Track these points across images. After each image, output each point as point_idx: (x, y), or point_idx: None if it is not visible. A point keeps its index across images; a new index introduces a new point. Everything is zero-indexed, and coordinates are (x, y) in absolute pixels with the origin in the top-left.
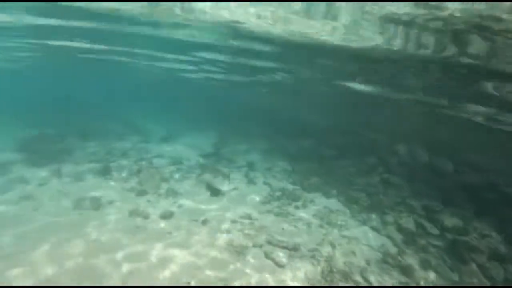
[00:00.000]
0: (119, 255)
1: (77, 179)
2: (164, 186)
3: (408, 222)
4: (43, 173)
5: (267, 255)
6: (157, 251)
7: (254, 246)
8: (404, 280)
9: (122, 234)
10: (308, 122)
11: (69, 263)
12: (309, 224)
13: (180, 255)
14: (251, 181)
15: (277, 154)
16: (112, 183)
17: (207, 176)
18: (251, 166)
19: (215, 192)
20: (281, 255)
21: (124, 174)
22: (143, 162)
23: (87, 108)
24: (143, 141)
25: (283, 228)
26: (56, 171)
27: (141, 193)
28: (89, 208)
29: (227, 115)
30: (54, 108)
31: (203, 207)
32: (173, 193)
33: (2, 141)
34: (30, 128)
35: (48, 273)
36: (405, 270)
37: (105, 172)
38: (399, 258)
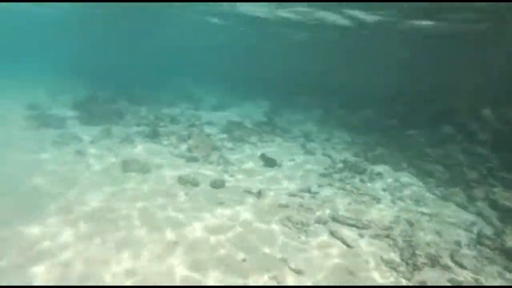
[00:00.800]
0: (163, 224)
1: (127, 140)
2: (215, 154)
3: (503, 198)
4: (94, 131)
5: (333, 234)
6: (203, 222)
7: (317, 222)
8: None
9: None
10: (368, 88)
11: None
12: (378, 199)
13: (230, 229)
14: (308, 152)
15: (334, 124)
16: (161, 147)
17: (261, 146)
18: (307, 136)
19: (270, 163)
20: (350, 234)
21: (173, 140)
22: (193, 129)
23: (140, 74)
24: (194, 108)
25: (349, 203)
26: (107, 131)
27: (191, 159)
28: (136, 170)
29: (279, 84)
30: (109, 73)
31: (257, 178)
32: (224, 162)
33: (63, 99)
34: (86, 90)
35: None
36: (510, 253)
37: (154, 136)
38: (499, 239)
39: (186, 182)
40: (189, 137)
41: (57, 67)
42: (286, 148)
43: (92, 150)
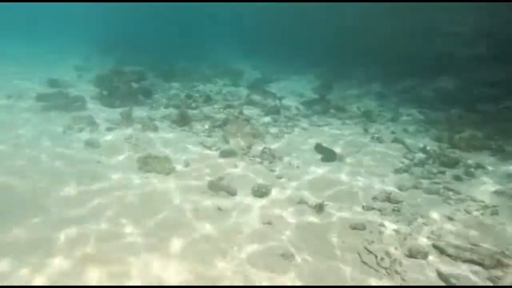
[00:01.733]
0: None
1: (149, 128)
2: (258, 144)
3: None
4: (114, 115)
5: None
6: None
7: (411, 257)
8: None
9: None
10: (444, 50)
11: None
12: (494, 210)
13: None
14: (374, 139)
15: (399, 98)
16: (191, 136)
17: (314, 131)
18: (368, 116)
19: (328, 155)
20: (465, 273)
21: (206, 125)
22: (231, 110)
23: (175, 46)
24: (233, 84)
25: (449, 218)
26: (127, 115)
27: (227, 154)
28: (156, 171)
29: (330, 54)
30: (145, 45)
31: (313, 179)
32: (270, 155)
33: (88, 76)
34: (118, 63)
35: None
36: None
37: (183, 122)
38: None
39: (219, 189)
40: (225, 122)
41: (94, 40)
42: (345, 133)
43: (107, 138)
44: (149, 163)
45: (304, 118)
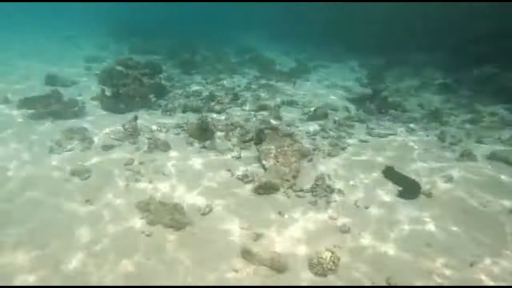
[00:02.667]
0: None
1: (158, 145)
2: (307, 170)
3: None
4: (115, 124)
5: None
6: None
7: None
8: None
9: None
10: None
11: None
12: None
13: None
14: (462, 156)
15: (475, 91)
16: (213, 159)
17: (375, 144)
18: (437, 116)
19: (405, 186)
20: None
21: (234, 139)
22: (265, 114)
23: (197, 31)
24: (264, 76)
25: None
26: (132, 126)
27: (265, 188)
28: (164, 222)
29: (375, 36)
30: (161, 30)
31: (395, 235)
32: (324, 188)
33: (98, 67)
34: (133, 53)
35: None
36: None
37: (203, 134)
38: None
39: (253, 256)
40: (260, 135)
41: (112, 26)
42: (415, 146)
43: (101, 162)
44: (152, 211)
45: (358, 123)
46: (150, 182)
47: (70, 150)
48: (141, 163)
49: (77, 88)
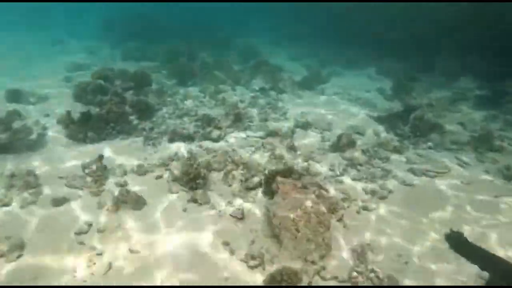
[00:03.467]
0: None
1: (131, 200)
2: (337, 239)
3: None
4: (78, 161)
5: None
6: None
7: None
8: None
9: None
10: None
11: None
12: None
13: None
14: None
15: None
16: (207, 222)
17: (421, 188)
18: (487, 142)
19: (492, 271)
20: None
21: (236, 185)
22: (275, 142)
23: (196, 32)
24: (273, 87)
25: None
26: (98, 166)
27: (285, 279)
28: None
29: (394, 34)
30: (158, 32)
31: None
32: (371, 276)
33: (79, 79)
34: (126, 60)
35: None
36: None
37: (194, 180)
38: None
39: None
40: (270, 185)
41: (106, 28)
42: (471, 188)
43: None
44: None
45: (394, 154)
46: (105, 274)
47: (6, 205)
48: (100, 230)
49: (46, 106)
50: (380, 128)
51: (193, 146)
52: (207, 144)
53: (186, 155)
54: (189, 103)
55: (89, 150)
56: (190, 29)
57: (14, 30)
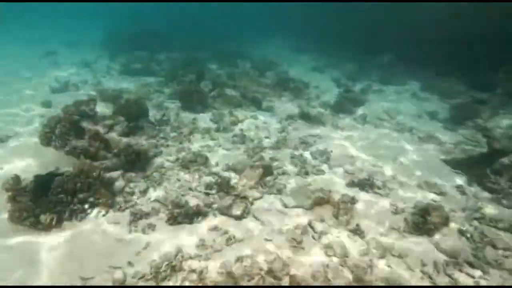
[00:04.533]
0: None
1: None
2: None
3: None
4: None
5: None
6: None
7: None
8: None
9: None
10: None
11: None
12: None
13: None
14: None
15: None
16: None
17: None
18: None
19: None
20: None
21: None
22: (325, 223)
23: (207, 40)
24: (302, 115)
25: None
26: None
27: None
28: None
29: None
30: (163, 41)
31: None
32: None
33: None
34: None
35: None
36: None
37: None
38: None
39: None
40: None
41: (106, 38)
42: None
43: None
44: None
45: (503, 231)
46: None
47: None
48: None
49: (2, 153)
50: (460, 181)
51: (204, 230)
52: (226, 224)
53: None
54: (196, 140)
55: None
56: (198, 36)
57: (5, 39)
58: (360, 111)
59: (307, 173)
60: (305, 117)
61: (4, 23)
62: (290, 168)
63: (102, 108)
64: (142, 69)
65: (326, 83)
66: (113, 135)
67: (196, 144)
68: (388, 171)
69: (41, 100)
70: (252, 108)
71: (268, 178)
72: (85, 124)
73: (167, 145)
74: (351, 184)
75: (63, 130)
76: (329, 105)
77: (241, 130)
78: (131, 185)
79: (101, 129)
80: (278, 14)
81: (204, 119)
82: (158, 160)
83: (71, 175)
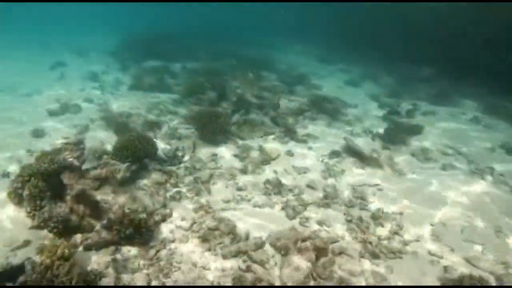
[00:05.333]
0: None
1: None
2: None
3: None
4: None
5: None
6: None
7: None
8: None
9: None
10: None
11: None
12: None
13: None
14: None
15: None
16: None
17: None
18: None
19: None
20: None
21: None
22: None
23: (226, 50)
24: (347, 149)
25: None
26: None
27: None
28: None
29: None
30: (179, 50)
31: None
32: None
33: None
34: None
35: None
36: None
37: None
38: None
39: None
40: None
41: (118, 48)
42: None
43: None
44: None
45: None
46: None
47: None
48: None
49: None
50: None
51: None
52: None
53: None
54: (218, 196)
55: None
56: (212, 41)
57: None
58: (416, 141)
59: (375, 255)
60: (353, 153)
61: (16, 22)
62: (348, 241)
63: (103, 135)
64: (155, 83)
65: (363, 100)
66: (106, 191)
67: (218, 197)
68: (479, 247)
69: (32, 127)
70: (286, 139)
71: (323, 261)
72: (66, 180)
73: (180, 198)
74: (444, 279)
75: (33, 191)
76: (377, 134)
77: (275, 173)
78: (125, 278)
79: (89, 184)
80: (295, 18)
81: (227, 155)
82: (166, 228)
83: (36, 272)
